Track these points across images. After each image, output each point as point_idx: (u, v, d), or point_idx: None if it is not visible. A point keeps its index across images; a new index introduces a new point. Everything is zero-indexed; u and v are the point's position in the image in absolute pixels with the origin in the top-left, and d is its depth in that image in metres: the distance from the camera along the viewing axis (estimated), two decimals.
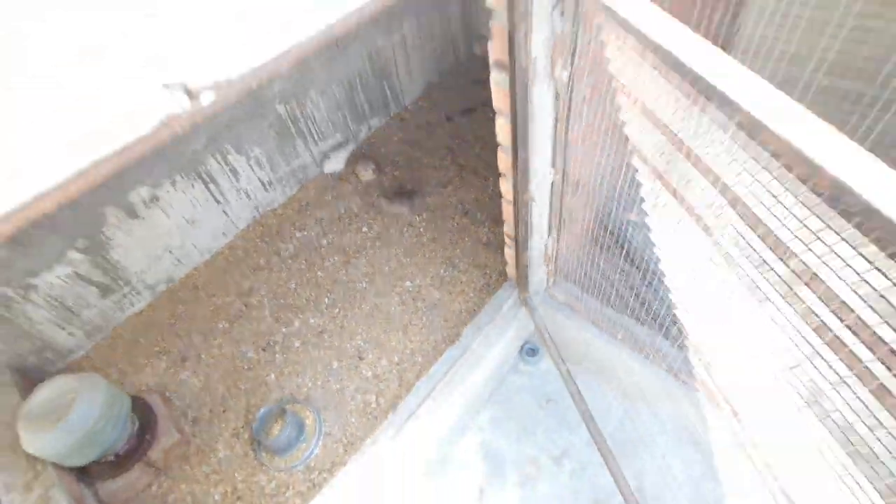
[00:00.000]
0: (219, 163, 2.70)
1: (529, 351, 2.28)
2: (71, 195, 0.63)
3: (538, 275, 2.09)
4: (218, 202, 2.80)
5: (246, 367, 2.42)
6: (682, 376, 1.80)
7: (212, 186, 2.72)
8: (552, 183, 1.66)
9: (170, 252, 2.68)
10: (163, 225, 2.59)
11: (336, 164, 3.31)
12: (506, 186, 1.75)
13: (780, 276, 0.76)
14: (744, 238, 0.79)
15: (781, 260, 0.73)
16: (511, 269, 2.14)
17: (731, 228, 0.84)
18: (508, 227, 1.93)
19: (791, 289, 0.74)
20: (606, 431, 2.05)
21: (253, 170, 2.90)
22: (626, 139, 1.75)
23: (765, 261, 0.77)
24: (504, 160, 1.66)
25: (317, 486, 2.03)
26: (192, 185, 2.63)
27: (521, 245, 1.92)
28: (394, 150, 3.45)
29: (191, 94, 0.70)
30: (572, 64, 1.33)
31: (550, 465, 1.98)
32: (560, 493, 1.91)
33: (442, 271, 2.69)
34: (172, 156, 2.48)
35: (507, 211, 1.84)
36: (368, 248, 2.88)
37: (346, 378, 2.33)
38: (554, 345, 2.04)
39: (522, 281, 2.10)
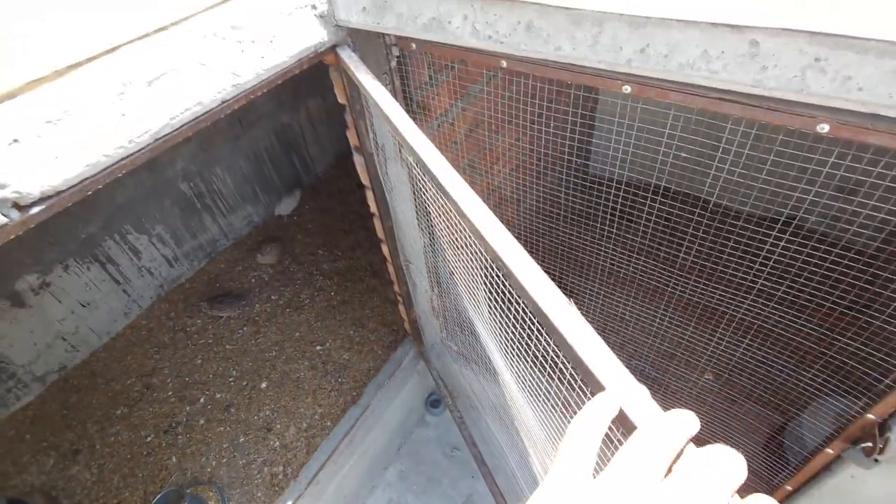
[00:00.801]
0: (117, 243, 2.70)
1: (434, 402, 2.37)
2: None
3: (431, 328, 2.23)
4: (117, 283, 2.76)
5: (145, 453, 2.32)
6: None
7: (110, 267, 2.70)
8: (423, 245, 1.84)
9: (63, 339, 2.58)
10: (54, 311, 2.51)
11: (288, 206, 3.54)
12: (385, 250, 1.92)
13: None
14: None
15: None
16: (408, 325, 2.27)
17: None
18: (397, 287, 2.08)
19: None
20: (507, 472, 2.15)
21: (156, 247, 2.90)
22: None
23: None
24: (379, 227, 1.83)
25: None
26: (88, 268, 2.60)
27: (408, 302, 2.07)
28: (306, 219, 3.57)
29: (20, 208, 0.81)
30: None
31: None
32: None
33: (351, 332, 2.77)
34: (64, 240, 2.46)
35: (391, 271, 2.00)
36: (279, 316, 2.91)
37: (252, 451, 2.30)
38: (449, 393, 2.15)
39: (417, 335, 2.23)
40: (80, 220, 2.50)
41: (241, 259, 3.26)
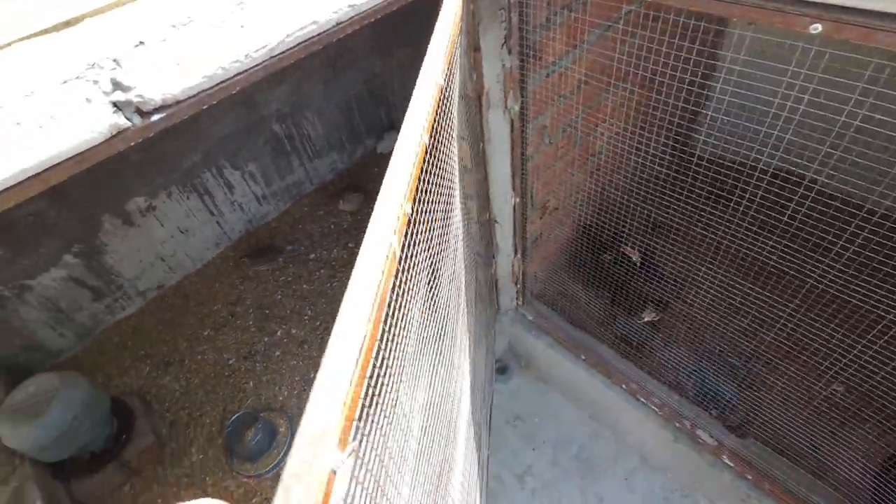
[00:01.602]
0: (214, 176, 2.83)
1: (500, 369, 2.32)
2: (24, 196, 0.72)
3: (508, 294, 2.15)
4: (212, 214, 2.92)
5: (226, 374, 2.49)
6: (641, 397, 1.84)
7: (206, 198, 2.85)
8: (513, 206, 1.74)
9: (162, 260, 2.79)
10: (157, 233, 2.71)
11: (389, 144, 3.68)
12: (473, 207, 1.84)
13: None
14: None
15: None
16: (482, 289, 2.20)
17: None
18: (478, 247, 2.00)
19: None
20: (570, 452, 2.08)
21: (247, 184, 3.03)
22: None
23: None
24: (469, 182, 1.75)
25: None
26: (188, 197, 2.76)
27: (489, 266, 1.99)
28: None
29: (142, 114, 0.80)
30: (524, 96, 1.42)
31: (513, 482, 2.00)
32: None
33: None
34: (169, 168, 2.61)
35: (476, 231, 1.92)
36: (354, 264, 2.96)
37: None
38: (522, 363, 2.08)
39: (494, 300, 2.16)
40: (185, 150, 2.63)
41: (324, 204, 3.33)
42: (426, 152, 0.88)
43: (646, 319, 2.12)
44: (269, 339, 2.62)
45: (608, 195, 1.90)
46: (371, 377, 0.52)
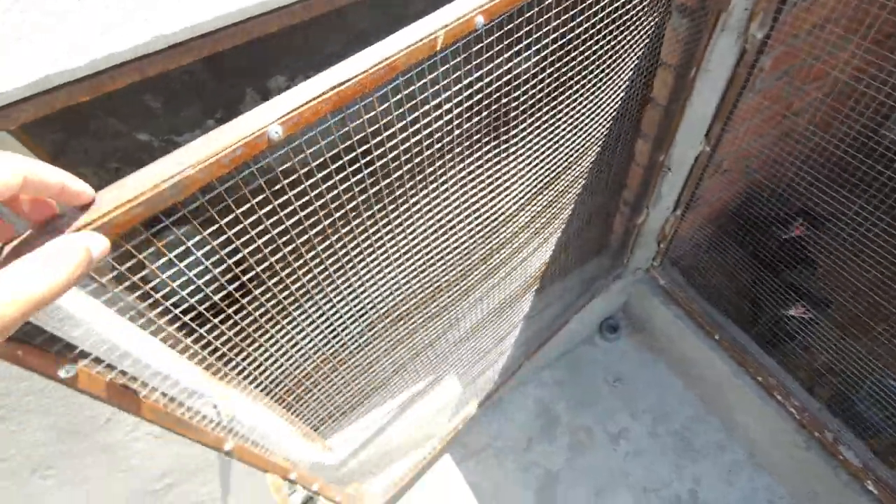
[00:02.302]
0: None
1: (610, 327, 2.20)
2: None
3: (646, 252, 1.98)
4: None
5: None
6: (777, 394, 1.67)
7: None
8: (698, 154, 1.52)
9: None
10: None
11: None
12: (643, 147, 1.63)
13: None
14: None
15: None
16: (616, 240, 2.03)
17: None
18: (629, 194, 1.81)
19: None
20: (671, 427, 1.97)
21: None
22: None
23: None
24: (651, 118, 1.54)
25: None
26: None
27: (635, 212, 1.82)
28: None
29: None
30: (774, 24, 1.17)
31: (605, 441, 1.95)
32: (609, 468, 1.88)
33: None
34: (311, 52, 2.55)
35: (636, 175, 1.72)
36: None
37: None
38: (636, 326, 1.94)
39: (622, 253, 2.00)
40: (328, 39, 2.56)
41: None
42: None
43: (792, 314, 1.89)
44: None
45: (806, 166, 1.62)
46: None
